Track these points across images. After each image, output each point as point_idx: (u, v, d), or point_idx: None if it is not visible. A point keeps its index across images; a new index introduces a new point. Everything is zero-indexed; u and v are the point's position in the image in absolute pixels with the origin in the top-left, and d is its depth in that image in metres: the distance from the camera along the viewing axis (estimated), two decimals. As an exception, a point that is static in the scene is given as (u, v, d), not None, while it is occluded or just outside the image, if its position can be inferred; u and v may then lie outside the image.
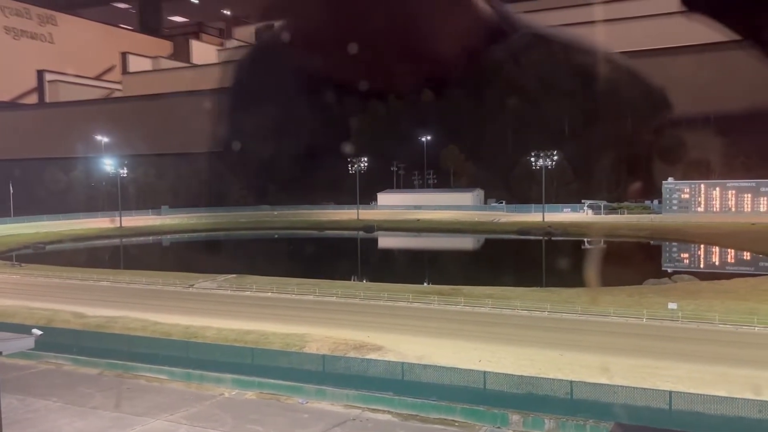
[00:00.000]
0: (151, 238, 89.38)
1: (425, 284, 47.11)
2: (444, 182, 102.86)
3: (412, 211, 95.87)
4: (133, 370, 26.69)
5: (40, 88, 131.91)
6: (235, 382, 24.58)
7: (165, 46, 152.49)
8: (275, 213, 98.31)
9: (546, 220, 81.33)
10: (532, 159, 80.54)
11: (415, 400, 21.64)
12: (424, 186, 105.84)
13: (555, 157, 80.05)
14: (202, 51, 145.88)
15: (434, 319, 32.65)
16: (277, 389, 23.89)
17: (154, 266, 57.26)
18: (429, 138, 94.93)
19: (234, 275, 47.43)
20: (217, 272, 48.47)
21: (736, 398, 19.13)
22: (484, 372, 22.07)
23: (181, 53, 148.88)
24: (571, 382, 20.93)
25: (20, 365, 27.01)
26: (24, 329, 25.14)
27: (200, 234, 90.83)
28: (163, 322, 32.70)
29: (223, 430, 20.37)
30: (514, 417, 20.23)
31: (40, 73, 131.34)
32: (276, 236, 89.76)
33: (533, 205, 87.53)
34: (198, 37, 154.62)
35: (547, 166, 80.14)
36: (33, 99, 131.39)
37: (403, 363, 23.74)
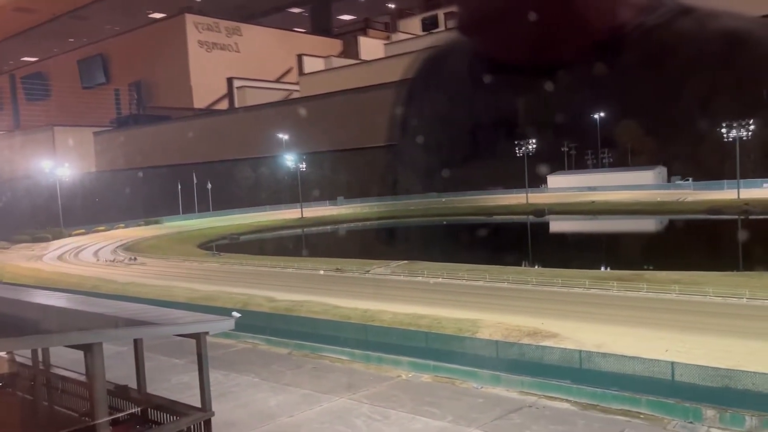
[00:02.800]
0: (329, 227, 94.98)
1: (603, 269, 44.84)
2: (621, 161, 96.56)
3: (586, 192, 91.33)
4: (318, 350, 28.63)
5: (229, 95, 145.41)
6: (412, 364, 25.35)
7: (335, 45, 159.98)
8: (443, 200, 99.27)
9: (741, 197, 73.08)
10: (724, 130, 72.57)
11: (595, 390, 20.75)
12: (598, 166, 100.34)
13: (751, 127, 71.41)
14: (370, 46, 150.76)
15: (614, 306, 30.97)
16: (451, 373, 24.24)
17: (332, 253, 60.88)
18: (602, 114, 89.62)
19: (406, 261, 48.74)
20: (389, 258, 50.15)
21: None
22: (672, 362, 20.52)
23: (350, 50, 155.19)
24: (778, 376, 18.73)
25: (223, 344, 30.25)
26: (225, 312, 28.13)
27: (373, 222, 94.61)
28: (342, 306, 34.63)
29: (402, 410, 21.12)
30: (709, 412, 18.60)
31: (230, 81, 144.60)
32: (444, 222, 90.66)
33: (726, 181, 79.17)
34: (365, 33, 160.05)
35: (741, 137, 71.84)
36: (224, 105, 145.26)
37: (580, 351, 22.86)
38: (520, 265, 49.79)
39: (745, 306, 29.15)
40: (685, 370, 20.12)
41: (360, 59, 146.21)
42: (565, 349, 23.58)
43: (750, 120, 71.37)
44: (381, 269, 47.07)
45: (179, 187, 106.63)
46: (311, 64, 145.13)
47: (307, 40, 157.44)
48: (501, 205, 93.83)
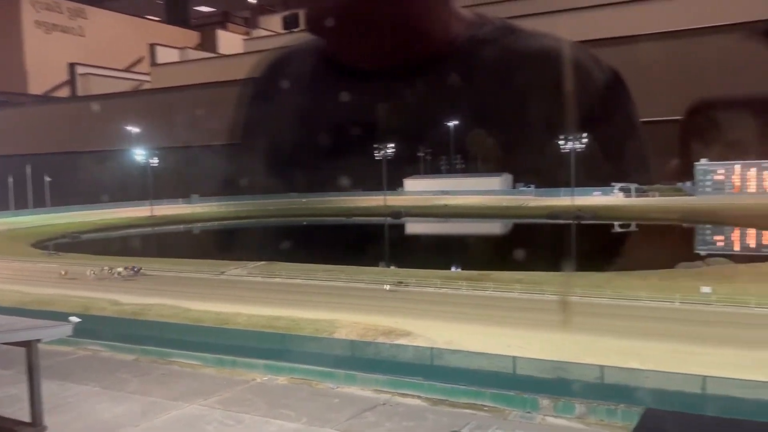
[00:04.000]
0: (182, 226, 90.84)
1: (453, 270, 47.07)
2: (472, 167, 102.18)
3: (440, 196, 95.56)
4: (168, 356, 27.26)
5: (71, 82, 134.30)
6: (267, 367, 24.96)
7: (192, 37, 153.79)
8: (303, 200, 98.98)
9: (575, 203, 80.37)
10: (562, 142, 79.33)
11: (445, 385, 21.72)
12: (451, 171, 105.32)
13: (584, 140, 78.70)
14: (229, 41, 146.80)
15: (463, 305, 32.63)
16: (307, 374, 24.19)
17: (185, 254, 58.26)
18: (456, 122, 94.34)
19: (263, 262, 47.96)
20: (246, 259, 49.11)
21: (772, 383, 18.80)
22: (514, 357, 22.04)
23: (208, 43, 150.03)
24: (602, 366, 20.79)
25: (59, 351, 27.83)
26: (62, 317, 25.89)
27: (230, 222, 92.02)
28: (195, 309, 33.30)
29: (256, 414, 20.72)
30: (544, 402, 20.19)
31: (72, 66, 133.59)
32: (304, 223, 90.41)
33: (562, 188, 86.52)
34: (224, 27, 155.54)
35: (576, 149, 78.94)
36: (65, 92, 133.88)
37: (431, 348, 23.83)
38: (377, 266, 50.89)
39: (577, 303, 32.01)
40: (525, 364, 21.70)
41: (218, 53, 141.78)
42: (418, 347, 24.45)
43: (584, 134, 78.95)
44: (237, 270, 45.88)
45: (10, 180, 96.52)
46: (165, 55, 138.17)
47: (161, 29, 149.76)
48: (360, 206, 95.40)
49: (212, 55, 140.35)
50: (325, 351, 25.23)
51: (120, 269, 44.69)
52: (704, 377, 19.43)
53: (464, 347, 24.10)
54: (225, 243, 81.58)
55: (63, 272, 46.02)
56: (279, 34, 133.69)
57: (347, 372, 23.55)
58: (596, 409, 19.64)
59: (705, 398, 19.11)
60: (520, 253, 46.21)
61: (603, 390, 20.24)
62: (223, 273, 45.32)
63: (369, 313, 30.89)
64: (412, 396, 21.77)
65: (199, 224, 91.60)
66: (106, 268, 45.23)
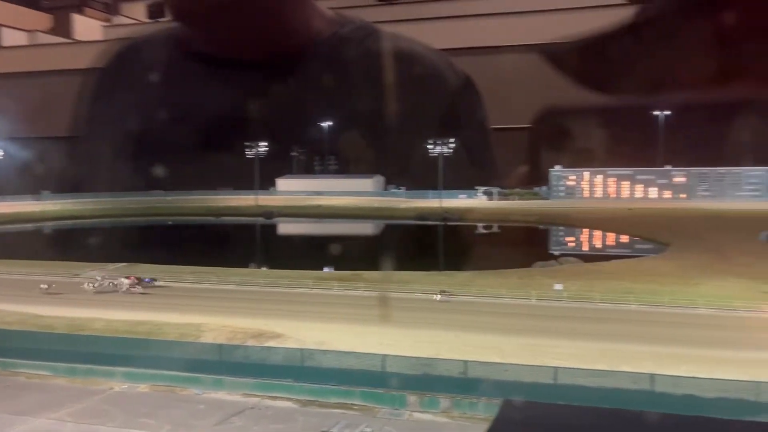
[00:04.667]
0: (30, 225, 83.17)
1: (325, 270, 47.10)
2: (345, 168, 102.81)
3: (313, 197, 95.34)
4: (11, 367, 24.94)
5: None
6: (126, 375, 23.58)
7: (43, 20, 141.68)
8: (168, 199, 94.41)
9: (443, 205, 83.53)
10: (430, 146, 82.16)
11: (314, 386, 21.70)
12: (324, 172, 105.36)
13: (452, 145, 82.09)
14: (86, 26, 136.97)
15: (334, 305, 32.75)
16: (171, 381, 23.15)
17: (34, 255, 53.41)
18: (329, 123, 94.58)
19: (124, 264, 45.27)
20: (105, 261, 46.10)
21: (615, 371, 20.68)
22: (383, 355, 22.45)
23: (62, 28, 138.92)
24: (465, 361, 21.75)
25: None
26: None
27: (86, 221, 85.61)
28: (45, 315, 30.68)
29: (112, 425, 19.51)
30: (412, 398, 20.78)
31: None
32: (170, 223, 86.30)
33: (431, 191, 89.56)
34: (81, 12, 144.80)
35: (444, 153, 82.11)
36: None
37: (302, 349, 23.69)
38: (248, 267, 49.69)
39: (445, 301, 33.25)
40: (394, 361, 22.19)
41: (73, 39, 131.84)
42: (288, 348, 24.20)
43: (451, 139, 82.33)
44: (95, 272, 42.80)
45: None
46: (11, 37, 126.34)
47: (7, 9, 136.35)
48: (230, 206, 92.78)
49: (66, 40, 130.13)
50: (190, 356, 24.26)
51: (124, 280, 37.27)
52: (556, 368, 20.96)
53: (335, 347, 24.18)
54: (80, 243, 75.76)
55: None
56: (143, 23, 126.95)
57: (214, 377, 22.81)
58: (459, 403, 20.53)
59: (557, 387, 20.61)
60: (391, 254, 47.24)
61: (466, 384, 21.18)
62: (78, 275, 42.09)
63: (239, 316, 30.11)
64: (282, 398, 21.52)
65: (50, 223, 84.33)
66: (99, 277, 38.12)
